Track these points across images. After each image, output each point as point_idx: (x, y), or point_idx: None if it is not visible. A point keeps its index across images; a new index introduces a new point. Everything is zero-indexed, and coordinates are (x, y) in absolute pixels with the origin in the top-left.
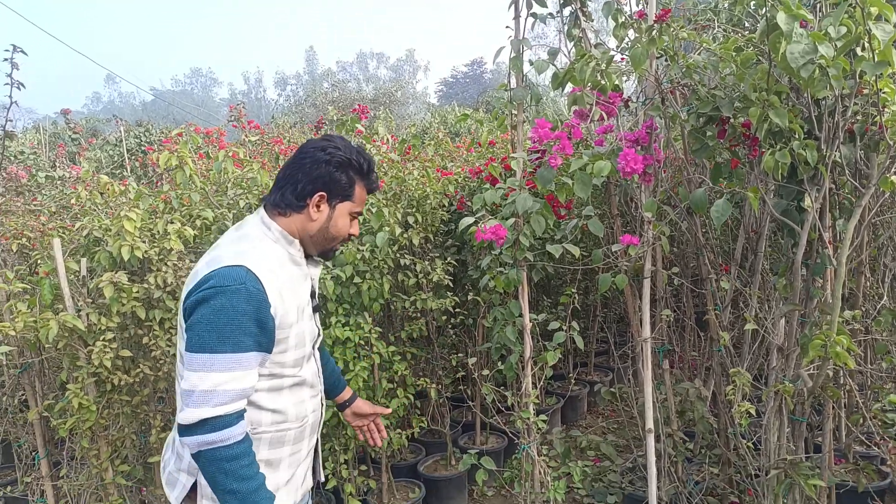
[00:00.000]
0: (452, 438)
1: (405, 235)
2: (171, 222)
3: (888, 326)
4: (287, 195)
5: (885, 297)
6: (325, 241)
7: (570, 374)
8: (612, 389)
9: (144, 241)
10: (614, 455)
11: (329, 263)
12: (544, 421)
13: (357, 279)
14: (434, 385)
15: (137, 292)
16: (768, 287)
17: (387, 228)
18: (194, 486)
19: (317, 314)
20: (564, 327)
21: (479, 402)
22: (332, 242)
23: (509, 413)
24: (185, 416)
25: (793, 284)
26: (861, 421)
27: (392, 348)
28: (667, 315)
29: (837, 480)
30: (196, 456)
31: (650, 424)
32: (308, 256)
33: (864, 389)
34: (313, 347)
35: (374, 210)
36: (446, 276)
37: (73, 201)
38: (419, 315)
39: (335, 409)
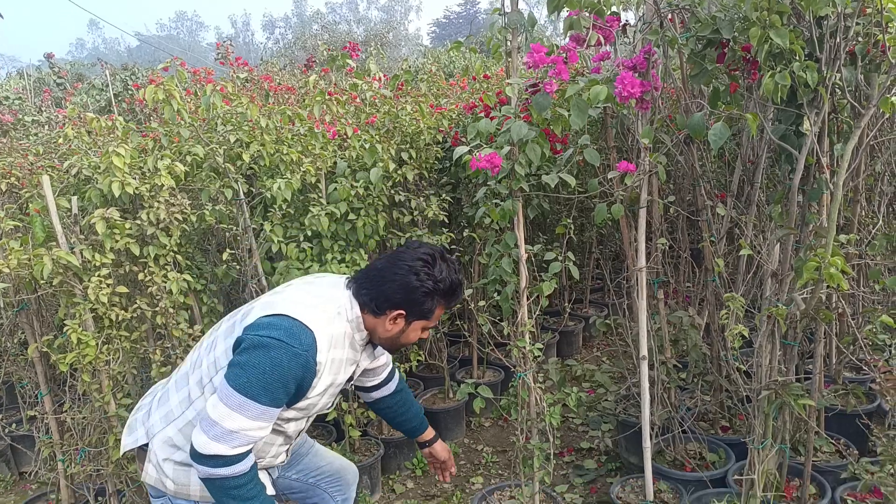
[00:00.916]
0: (450, 373)
1: (399, 172)
2: (161, 158)
3: (882, 250)
4: (369, 298)
5: (881, 222)
6: (392, 345)
7: (566, 307)
8: (606, 321)
9: (135, 178)
10: (609, 383)
11: (323, 201)
12: (540, 349)
13: (352, 216)
14: None
15: (130, 229)
16: (764, 218)
17: (380, 164)
18: (144, 447)
19: (340, 394)
20: (560, 258)
21: (476, 337)
22: (398, 347)
23: (506, 346)
24: (202, 444)
25: (789, 210)
26: (852, 343)
27: None
28: (662, 244)
29: (827, 403)
30: (203, 479)
31: (644, 352)
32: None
33: (857, 314)
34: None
35: (367, 146)
36: (441, 213)
37: (60, 141)
38: None
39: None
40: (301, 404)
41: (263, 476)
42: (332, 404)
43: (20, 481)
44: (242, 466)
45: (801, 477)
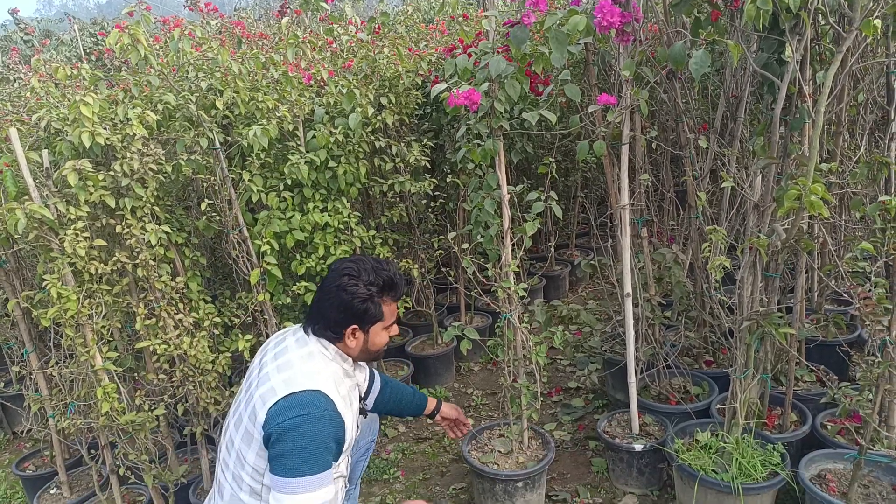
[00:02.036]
0: (438, 320)
1: (379, 117)
2: (133, 108)
3: (863, 179)
4: (324, 328)
5: (862, 151)
6: (368, 356)
7: (551, 251)
8: (591, 262)
9: (106, 129)
10: (593, 322)
11: (302, 149)
12: (525, 289)
13: (332, 164)
14: (416, 266)
15: (104, 180)
16: (747, 154)
17: (359, 110)
18: None
19: (362, 416)
20: (542, 198)
21: (463, 283)
22: (375, 355)
23: (492, 291)
24: None
25: (770, 140)
26: (833, 271)
27: (373, 233)
28: (645, 180)
29: (808, 334)
30: None
31: (628, 289)
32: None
33: (839, 244)
34: None
35: (344, 91)
36: (423, 158)
37: (27, 95)
38: (398, 200)
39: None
40: (344, 448)
41: None
42: (358, 428)
43: (14, 440)
44: None
45: (783, 405)
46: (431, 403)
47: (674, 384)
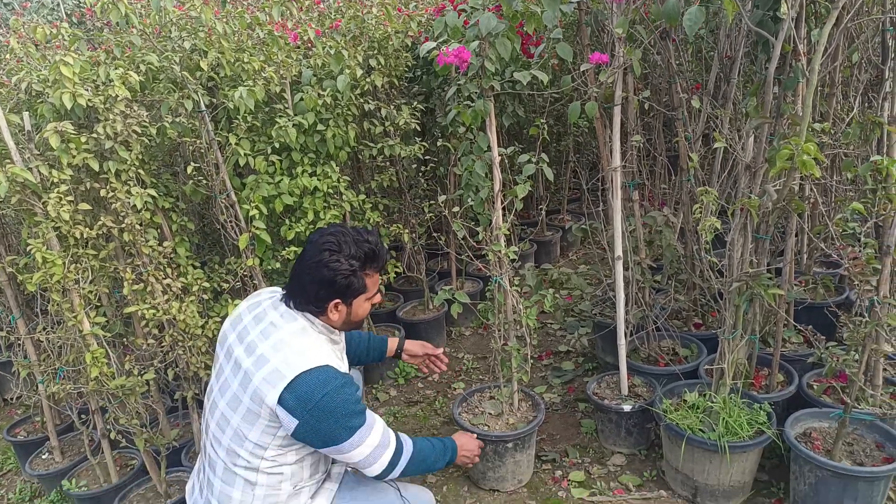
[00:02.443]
0: (429, 285)
1: (368, 79)
2: (115, 68)
3: (856, 139)
4: (306, 303)
5: (856, 111)
6: (350, 326)
7: (542, 209)
8: (583, 226)
9: (87, 90)
10: (584, 286)
11: (290, 111)
12: (515, 252)
13: (320, 126)
14: (407, 231)
15: (87, 143)
16: (740, 116)
17: (347, 71)
18: None
19: None
20: (533, 160)
21: (454, 248)
22: (357, 325)
23: (483, 256)
24: (376, 470)
25: (764, 100)
26: (823, 232)
27: (362, 198)
28: (637, 141)
29: (797, 296)
30: (404, 474)
31: (619, 252)
32: None
33: (830, 205)
34: None
35: (332, 52)
36: (413, 121)
37: (7, 56)
38: (388, 164)
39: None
40: None
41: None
42: None
43: (5, 407)
44: (407, 447)
45: (770, 366)
46: (392, 343)
47: (663, 346)
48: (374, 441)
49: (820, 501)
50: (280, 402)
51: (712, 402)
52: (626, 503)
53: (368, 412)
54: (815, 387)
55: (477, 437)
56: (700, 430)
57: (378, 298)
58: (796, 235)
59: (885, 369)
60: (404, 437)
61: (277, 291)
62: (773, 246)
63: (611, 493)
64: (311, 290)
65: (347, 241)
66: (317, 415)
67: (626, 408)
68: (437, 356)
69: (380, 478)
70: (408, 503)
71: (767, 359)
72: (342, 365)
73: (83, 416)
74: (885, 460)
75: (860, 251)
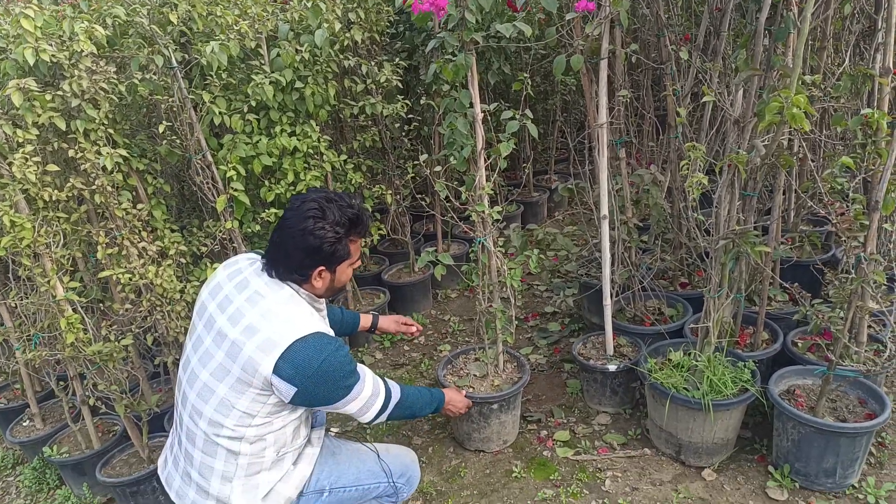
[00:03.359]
0: (415, 248)
1: (347, 34)
2: (80, 22)
3: (846, 92)
4: (289, 272)
5: (847, 63)
6: (332, 293)
7: (526, 167)
8: (569, 186)
9: (52, 45)
10: (570, 246)
11: (267, 68)
12: (499, 213)
13: (299, 84)
14: (391, 192)
15: (52, 101)
16: (729, 72)
17: (325, 26)
18: None
19: None
20: (517, 116)
21: (439, 209)
22: (338, 290)
23: (468, 218)
24: (369, 415)
25: (754, 52)
26: (812, 188)
27: (344, 157)
28: (624, 96)
29: (783, 254)
30: (391, 419)
31: (605, 211)
32: None
33: (819, 162)
34: None
35: (310, 5)
36: (395, 78)
37: None
38: (371, 124)
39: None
40: None
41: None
42: None
43: None
44: (395, 395)
45: (755, 324)
46: (366, 319)
47: (649, 306)
48: (367, 393)
49: (802, 457)
50: (276, 371)
51: (697, 361)
52: (610, 461)
53: (358, 367)
54: (799, 344)
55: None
56: (684, 388)
57: (358, 263)
58: (783, 193)
59: (869, 326)
60: (392, 383)
61: (256, 258)
62: (759, 204)
63: (595, 452)
64: (295, 258)
65: (331, 207)
66: (315, 380)
67: (612, 368)
68: (413, 326)
69: (371, 423)
70: (386, 466)
71: (752, 317)
72: (329, 330)
73: (62, 382)
74: (868, 416)
75: (848, 207)
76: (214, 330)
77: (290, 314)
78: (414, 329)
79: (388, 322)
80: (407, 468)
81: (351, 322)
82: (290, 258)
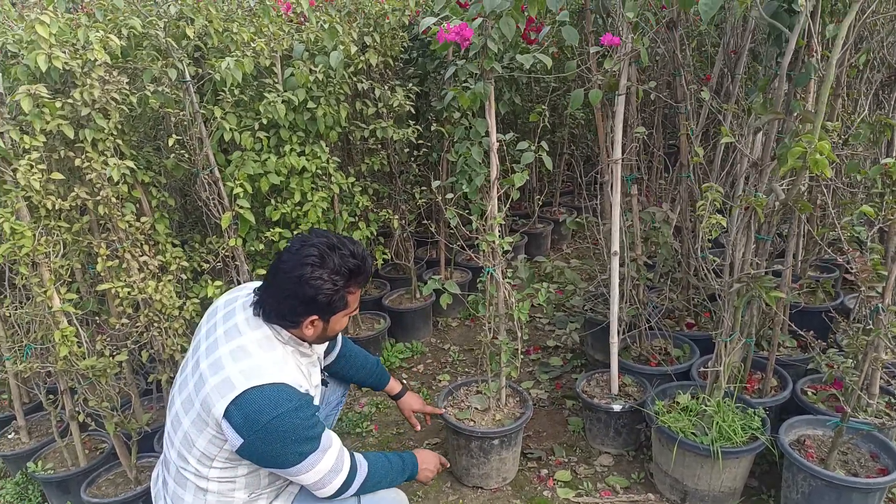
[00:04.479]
0: (417, 274)
1: (362, 57)
2: (95, 31)
3: (865, 140)
4: (279, 317)
5: (866, 111)
6: (323, 340)
7: (539, 200)
8: (577, 219)
9: (65, 53)
10: (577, 280)
11: (280, 87)
12: (510, 243)
13: (311, 104)
14: (396, 217)
15: (62, 108)
16: (742, 114)
17: (341, 48)
18: None
19: (324, 386)
20: (532, 148)
21: (444, 236)
22: (329, 338)
23: (474, 246)
24: (328, 492)
25: (776, 95)
26: (830, 232)
27: (352, 180)
28: (640, 132)
29: (794, 300)
30: (357, 495)
31: (615, 247)
32: None
33: (836, 206)
34: None
35: (326, 27)
36: (408, 103)
37: None
38: (380, 147)
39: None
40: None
41: None
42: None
43: None
44: (362, 472)
45: (764, 370)
46: (395, 386)
47: (655, 346)
48: (326, 467)
49: None
50: (226, 415)
51: (706, 406)
52: None
53: (326, 434)
54: (809, 393)
55: (463, 434)
56: (692, 433)
57: (356, 312)
58: (797, 233)
59: (880, 378)
60: (360, 458)
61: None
62: (771, 248)
63: (597, 495)
64: (287, 305)
65: (332, 255)
66: (263, 437)
67: (616, 407)
68: (428, 413)
69: (330, 499)
70: None
71: (761, 362)
72: (306, 382)
73: (52, 395)
74: (880, 471)
75: (866, 256)
76: (196, 356)
77: (259, 357)
78: (428, 419)
79: (414, 399)
80: None
81: (379, 380)
82: (281, 304)
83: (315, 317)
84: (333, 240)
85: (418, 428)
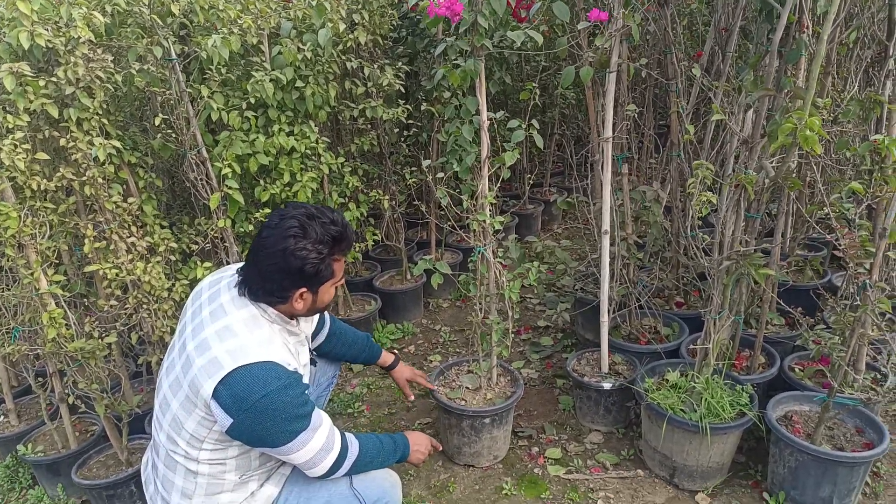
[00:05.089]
0: (408, 255)
1: (351, 35)
2: (78, 8)
3: (855, 117)
4: (266, 293)
5: (856, 88)
6: (314, 312)
7: (530, 179)
8: (568, 199)
9: (48, 30)
10: (568, 259)
11: (267, 65)
12: (501, 223)
13: (299, 83)
14: (387, 198)
15: (46, 87)
16: (732, 91)
17: (329, 25)
18: None
19: (313, 366)
20: (523, 126)
21: (435, 217)
22: (321, 310)
23: (464, 228)
24: (320, 471)
25: (767, 72)
26: (819, 210)
27: (342, 160)
28: (631, 110)
29: (783, 277)
30: (349, 475)
31: (606, 227)
32: None
33: (825, 183)
34: None
35: (314, 3)
36: (397, 82)
37: None
38: (370, 127)
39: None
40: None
41: None
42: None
43: None
44: (353, 451)
45: (752, 347)
46: (388, 358)
47: (644, 324)
48: (317, 445)
49: (798, 485)
50: (215, 395)
51: (695, 383)
52: (602, 482)
53: (316, 413)
54: (797, 370)
55: (454, 413)
56: (681, 410)
57: (342, 282)
58: (786, 211)
59: (867, 354)
60: (351, 437)
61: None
62: (760, 227)
63: (587, 471)
64: (274, 280)
65: (313, 224)
66: (253, 416)
67: (607, 385)
68: (422, 383)
69: (322, 479)
70: (357, 494)
71: (749, 340)
72: (294, 360)
73: (41, 378)
74: (866, 446)
75: (855, 233)
76: (182, 338)
77: (246, 337)
78: (424, 384)
79: (406, 369)
80: (384, 493)
81: (369, 351)
82: (267, 280)
83: (304, 289)
84: (312, 210)
85: (412, 397)
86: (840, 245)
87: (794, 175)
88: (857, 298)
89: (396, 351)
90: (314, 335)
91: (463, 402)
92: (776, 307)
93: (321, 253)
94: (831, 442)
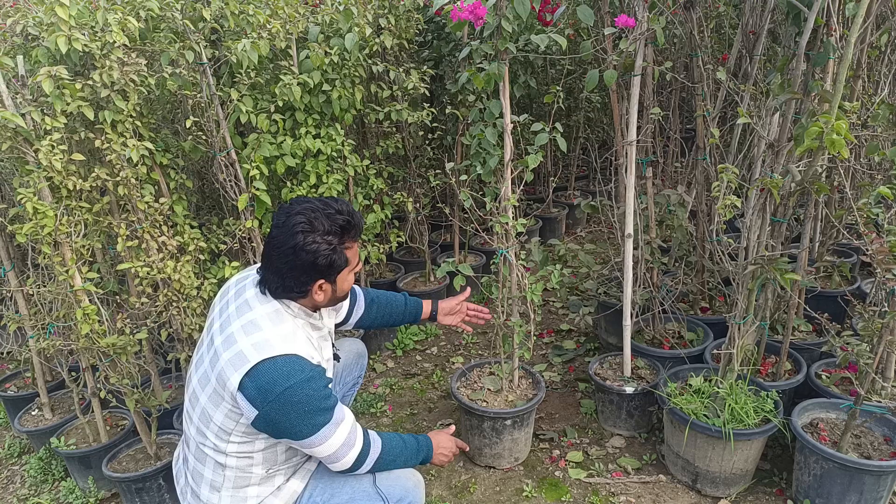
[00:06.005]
0: (431, 257)
1: (377, 39)
2: (114, 13)
3: (884, 121)
4: (286, 290)
5: (885, 92)
6: (336, 302)
7: (553, 181)
8: (591, 203)
9: (84, 34)
10: (591, 263)
11: (295, 69)
12: (524, 225)
13: (326, 87)
14: (411, 200)
15: (82, 90)
16: (759, 95)
17: (356, 30)
18: None
19: (336, 361)
20: (547, 129)
21: (458, 220)
22: (341, 300)
23: (487, 231)
24: (343, 465)
25: (794, 75)
26: (845, 217)
27: (367, 163)
28: (656, 113)
29: (810, 283)
30: (371, 472)
31: (629, 230)
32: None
33: (854, 190)
34: None
35: (342, 8)
36: (423, 86)
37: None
38: (395, 130)
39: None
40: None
41: None
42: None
43: None
44: (375, 447)
45: (778, 354)
46: (427, 307)
47: (668, 329)
48: (339, 440)
49: (824, 493)
50: (241, 387)
51: (718, 388)
52: (624, 486)
53: (339, 408)
54: (824, 377)
55: (475, 414)
56: (704, 415)
57: (359, 266)
58: (814, 215)
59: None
60: (374, 435)
61: None
62: (787, 232)
63: (609, 475)
64: (290, 277)
65: (319, 217)
66: (277, 407)
67: (629, 390)
68: (475, 308)
69: (345, 474)
70: (380, 493)
71: (775, 346)
72: (317, 354)
73: (74, 373)
74: (893, 455)
75: (883, 238)
76: (210, 334)
77: (270, 330)
78: (484, 314)
79: (447, 302)
80: (407, 493)
81: (414, 310)
82: (284, 278)
83: (321, 280)
84: (316, 203)
85: (470, 329)
86: (868, 251)
87: (821, 179)
88: (886, 305)
89: (418, 361)
90: (350, 312)
91: (484, 404)
92: (803, 313)
93: (331, 244)
94: (858, 450)
